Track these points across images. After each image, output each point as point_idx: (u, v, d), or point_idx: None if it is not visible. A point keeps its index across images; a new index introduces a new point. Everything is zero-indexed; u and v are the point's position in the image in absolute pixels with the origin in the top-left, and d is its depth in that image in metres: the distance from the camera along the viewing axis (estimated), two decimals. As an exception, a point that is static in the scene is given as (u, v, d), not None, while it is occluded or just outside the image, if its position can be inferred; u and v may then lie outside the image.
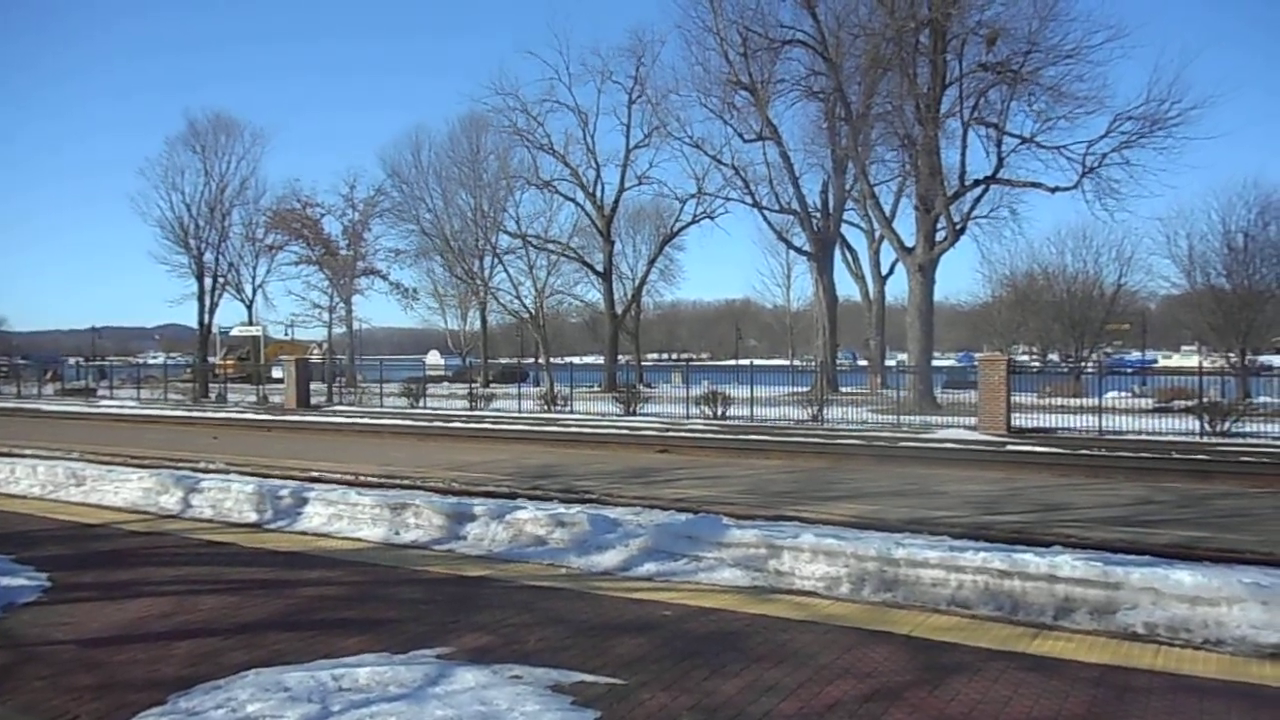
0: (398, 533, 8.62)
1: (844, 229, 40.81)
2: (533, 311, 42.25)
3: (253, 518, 9.53)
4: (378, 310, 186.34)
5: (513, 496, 10.97)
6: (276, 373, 39.80)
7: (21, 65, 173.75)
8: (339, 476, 13.38)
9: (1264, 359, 40.73)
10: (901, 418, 22.88)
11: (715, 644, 5.27)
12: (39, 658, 5.14)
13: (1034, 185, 29.77)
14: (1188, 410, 21.81)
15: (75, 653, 5.23)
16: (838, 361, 41.39)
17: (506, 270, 42.43)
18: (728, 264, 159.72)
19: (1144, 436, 19.42)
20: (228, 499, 10.00)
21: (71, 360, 66.81)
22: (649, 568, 7.17)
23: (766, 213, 39.85)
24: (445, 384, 43.71)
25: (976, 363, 25.48)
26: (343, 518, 9.11)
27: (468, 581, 6.88)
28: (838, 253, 40.84)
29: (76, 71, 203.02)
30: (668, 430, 21.14)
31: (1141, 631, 5.44)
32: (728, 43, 34.14)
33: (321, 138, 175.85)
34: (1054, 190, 29.27)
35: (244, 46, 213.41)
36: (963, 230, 30.37)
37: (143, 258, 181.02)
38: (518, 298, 42.55)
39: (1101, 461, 14.77)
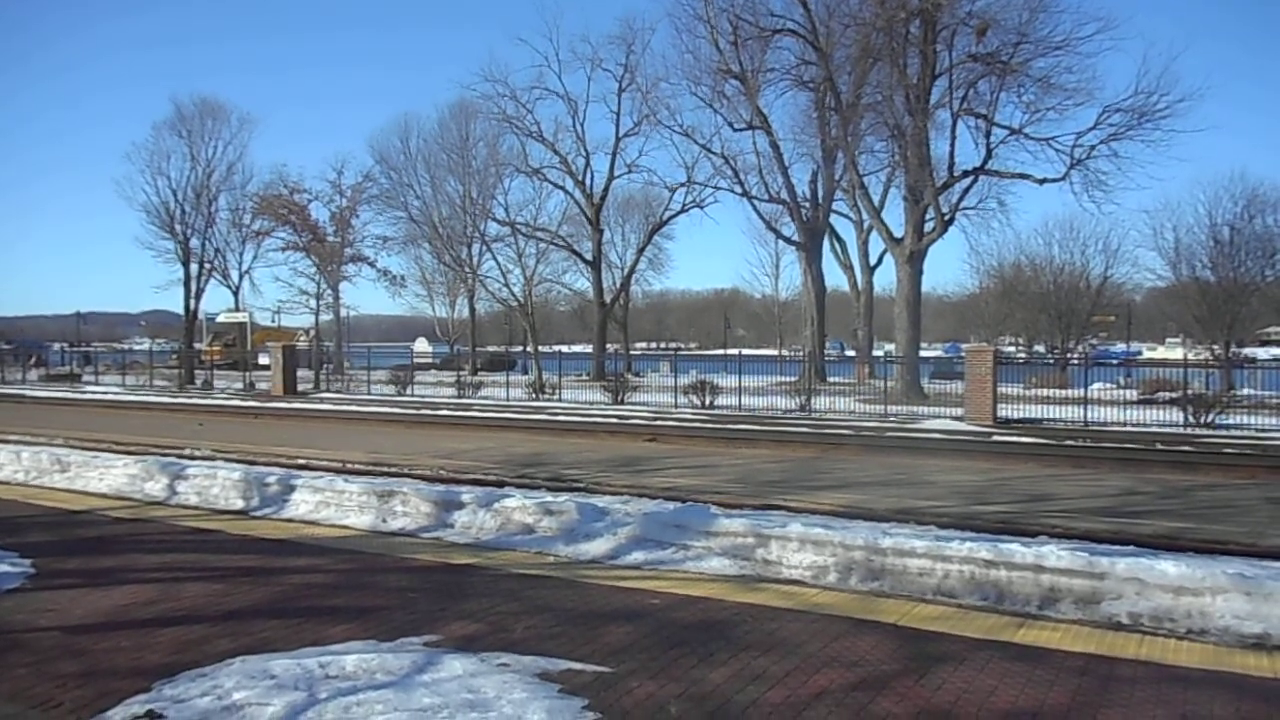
0: (385, 520, 8.60)
1: (833, 219, 40.86)
2: (521, 299, 42.07)
3: (239, 505, 9.49)
4: (365, 297, 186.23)
5: (500, 485, 10.95)
6: (263, 359, 39.54)
7: (11, 60, 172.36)
8: (326, 464, 13.33)
9: (1248, 351, 41.07)
10: (889, 408, 22.95)
11: (703, 632, 5.28)
12: (23, 645, 5.11)
13: (1022, 176, 29.86)
14: (1172, 402, 21.93)
15: (59, 640, 5.20)
16: (826, 351, 41.44)
17: (495, 258, 42.23)
18: (717, 253, 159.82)
19: (1129, 428, 19.54)
20: (214, 486, 9.95)
21: (56, 345, 66.26)
22: (637, 556, 7.17)
23: (756, 202, 39.83)
24: (433, 371, 43.60)
25: (963, 353, 25.58)
26: (330, 505, 9.08)
27: (455, 569, 6.87)
28: (826, 243, 40.86)
29: (65, 67, 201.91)
30: (656, 419, 21.14)
31: (1126, 621, 5.48)
32: (718, 31, 34.04)
33: (310, 129, 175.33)
34: (1042, 182, 29.35)
35: (233, 40, 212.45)
36: (951, 221, 30.44)
37: (128, 243, 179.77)
38: (506, 285, 42.38)
39: (1087, 452, 14.85)
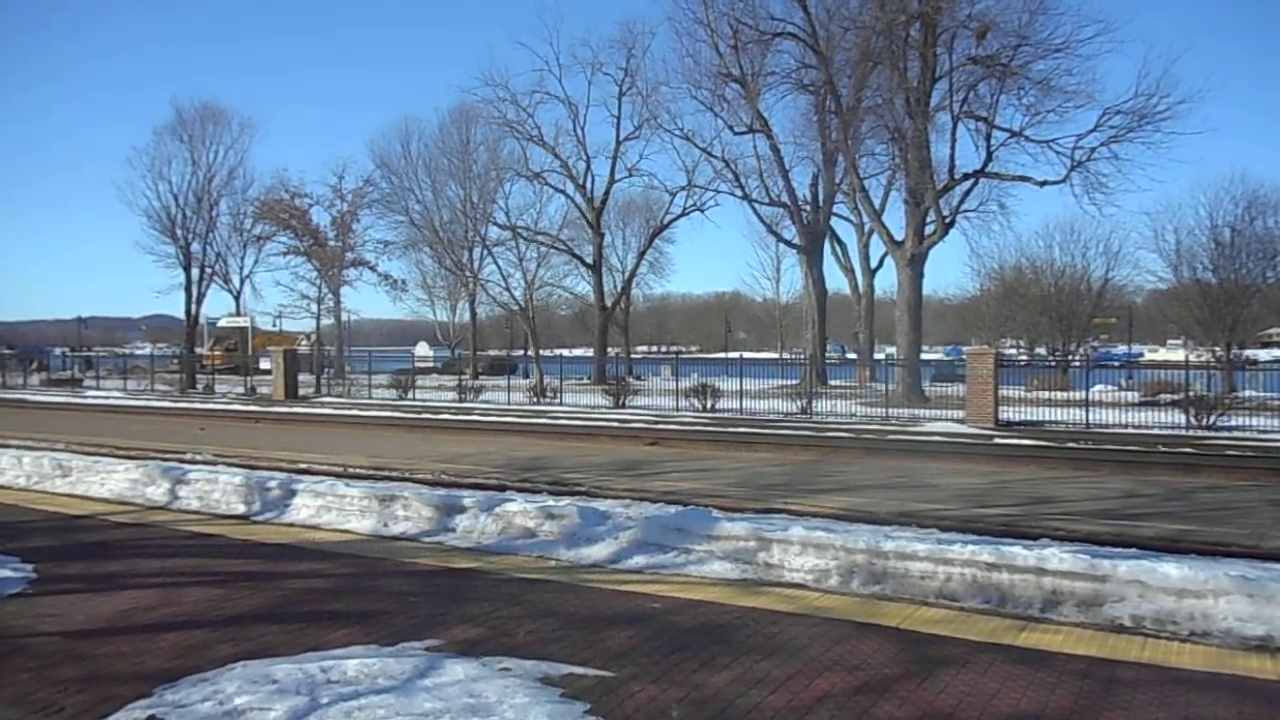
0: (386, 524, 8.59)
1: (834, 222, 40.88)
2: (522, 304, 42.12)
3: (240, 509, 9.49)
4: (366, 301, 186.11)
5: (502, 489, 10.96)
6: (264, 364, 39.62)
7: (11, 60, 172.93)
8: (327, 468, 13.35)
9: (1249, 353, 41.02)
10: (890, 411, 22.94)
11: (704, 636, 5.28)
12: (24, 650, 5.10)
13: (1023, 179, 29.84)
14: (1174, 404, 21.94)
15: (61, 645, 5.20)
16: (827, 354, 41.43)
17: (496, 262, 42.29)
18: (717, 257, 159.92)
19: (1130, 430, 19.52)
20: (215, 490, 9.95)
21: (57, 350, 66.37)
22: (638, 560, 7.17)
23: (756, 205, 39.87)
24: (434, 376, 43.61)
25: (965, 356, 25.57)
26: (331, 509, 9.07)
27: (457, 574, 6.87)
28: (827, 246, 40.86)
29: (65, 68, 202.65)
30: (657, 423, 21.14)
31: (1128, 624, 5.47)
32: (718, 35, 34.08)
33: (310, 129, 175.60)
34: (1042, 184, 29.35)
35: (232, 40, 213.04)
36: (952, 224, 30.43)
37: (129, 248, 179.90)
38: (507, 289, 42.45)
39: (1088, 455, 14.83)
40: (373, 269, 46.88)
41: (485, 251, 42.30)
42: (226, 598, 6.20)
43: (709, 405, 24.99)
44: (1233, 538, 8.44)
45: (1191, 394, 21.42)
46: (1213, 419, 19.79)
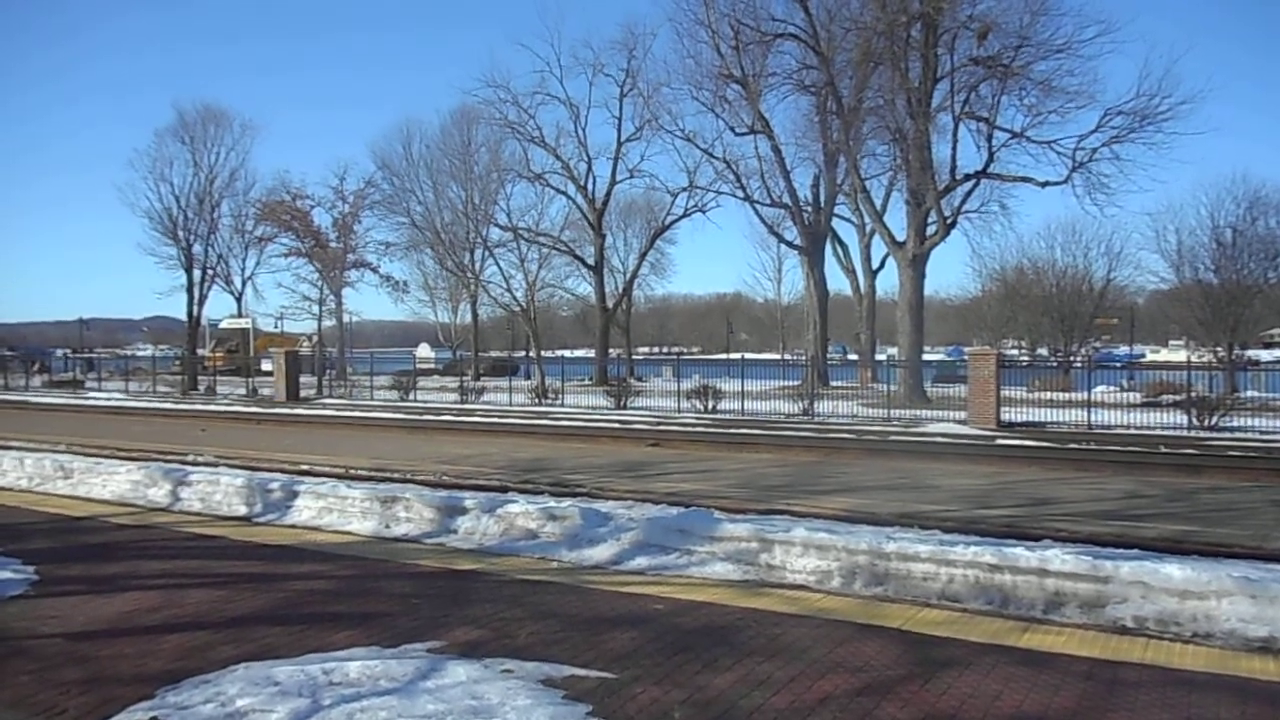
0: (388, 526, 8.60)
1: (835, 223, 40.86)
2: (523, 305, 42.10)
3: (242, 511, 9.49)
4: (368, 303, 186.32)
5: (504, 490, 10.95)
6: (266, 365, 39.65)
7: (12, 61, 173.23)
8: (329, 469, 13.34)
9: (1251, 353, 40.98)
10: (892, 412, 22.93)
11: (707, 638, 5.27)
12: (26, 651, 5.10)
13: (1024, 180, 29.82)
14: (1176, 404, 21.91)
15: (63, 646, 5.20)
16: (828, 355, 41.40)
17: (497, 263, 42.28)
18: (719, 258, 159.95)
19: (1132, 431, 19.49)
20: (217, 492, 9.95)
21: (59, 352, 66.47)
22: (640, 562, 7.16)
23: (758, 206, 39.87)
24: (436, 377, 43.64)
25: (966, 357, 25.56)
26: (333, 511, 9.07)
27: (459, 575, 6.87)
28: (829, 247, 40.83)
29: (66, 68, 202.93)
30: (659, 424, 21.13)
31: (1131, 625, 5.46)
32: (719, 36, 34.08)
33: (311, 131, 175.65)
34: (1044, 185, 29.33)
35: (234, 42, 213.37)
36: (953, 224, 30.42)
37: (131, 249, 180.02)
38: (508, 291, 42.44)
39: (1090, 456, 14.82)
40: (374, 270, 46.84)
41: (487, 253, 42.34)
42: (228, 599, 6.20)
43: (710, 406, 24.98)
44: (1235, 539, 8.43)
45: (1193, 395, 21.40)
46: (1215, 420, 19.77)
